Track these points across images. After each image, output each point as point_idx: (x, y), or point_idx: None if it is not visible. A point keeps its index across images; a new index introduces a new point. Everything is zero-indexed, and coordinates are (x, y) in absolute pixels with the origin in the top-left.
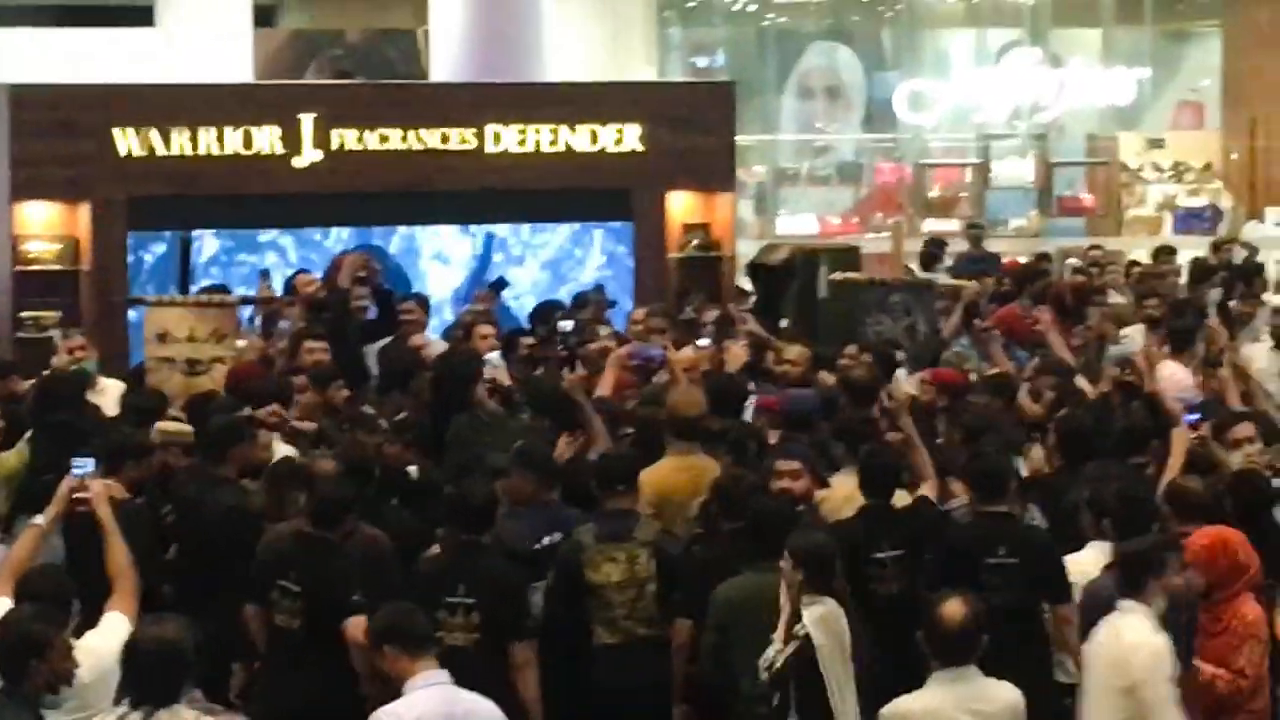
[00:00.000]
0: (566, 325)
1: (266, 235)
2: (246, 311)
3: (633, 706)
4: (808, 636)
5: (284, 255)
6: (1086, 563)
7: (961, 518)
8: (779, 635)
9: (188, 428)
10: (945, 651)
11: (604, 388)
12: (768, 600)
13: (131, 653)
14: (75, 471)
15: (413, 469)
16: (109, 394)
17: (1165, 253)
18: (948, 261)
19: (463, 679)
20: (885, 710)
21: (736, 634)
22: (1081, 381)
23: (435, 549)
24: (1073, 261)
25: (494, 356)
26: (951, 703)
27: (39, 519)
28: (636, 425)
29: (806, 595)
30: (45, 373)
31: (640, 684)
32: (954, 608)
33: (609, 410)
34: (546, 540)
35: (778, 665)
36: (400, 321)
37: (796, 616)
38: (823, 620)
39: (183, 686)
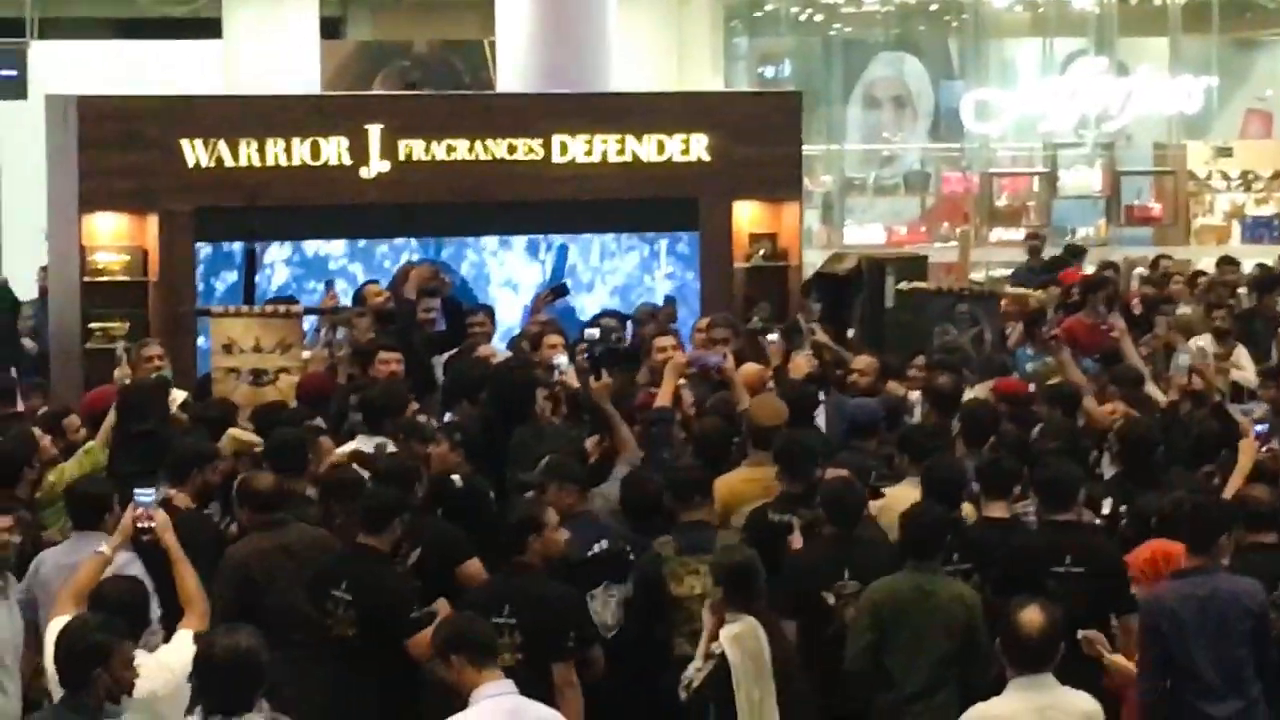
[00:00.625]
0: (593, 333)
1: (336, 262)
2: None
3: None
4: (723, 654)
5: (353, 281)
6: None
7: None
8: (700, 652)
9: (257, 438)
10: (1023, 658)
11: (663, 397)
12: (928, 598)
13: (205, 662)
14: (139, 500)
15: (456, 477)
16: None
17: (1228, 263)
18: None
19: None
20: (964, 717)
21: (895, 632)
22: (1152, 389)
23: (473, 563)
24: (1140, 271)
25: (562, 361)
26: (1030, 710)
27: (103, 546)
28: (697, 437)
29: (728, 613)
30: (126, 382)
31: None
32: (1032, 615)
33: (667, 419)
34: (596, 548)
35: (695, 684)
36: (468, 333)
37: (715, 634)
38: (737, 639)
39: (256, 695)
